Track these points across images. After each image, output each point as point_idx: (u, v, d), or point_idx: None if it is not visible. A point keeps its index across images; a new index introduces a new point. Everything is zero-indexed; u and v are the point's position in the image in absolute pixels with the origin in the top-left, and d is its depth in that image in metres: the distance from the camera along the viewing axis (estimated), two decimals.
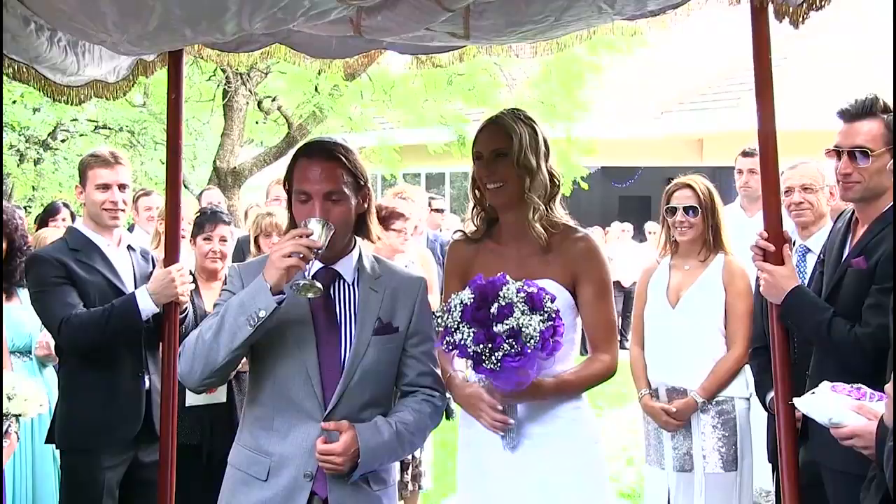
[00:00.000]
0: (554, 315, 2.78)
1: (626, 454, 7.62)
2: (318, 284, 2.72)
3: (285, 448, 2.82)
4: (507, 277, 2.84)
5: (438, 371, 3.05)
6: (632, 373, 4.55)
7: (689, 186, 4.46)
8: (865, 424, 2.70)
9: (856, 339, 3.15)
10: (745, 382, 4.35)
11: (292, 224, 2.90)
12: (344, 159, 2.85)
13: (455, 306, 2.82)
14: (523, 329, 2.73)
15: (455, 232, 3.44)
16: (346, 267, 2.92)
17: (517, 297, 2.77)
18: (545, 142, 3.18)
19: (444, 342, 2.83)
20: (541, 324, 2.74)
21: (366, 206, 2.93)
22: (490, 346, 2.74)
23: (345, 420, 2.81)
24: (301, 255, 2.70)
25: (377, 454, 2.84)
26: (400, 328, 2.92)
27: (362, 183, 2.90)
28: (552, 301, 2.79)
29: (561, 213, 3.21)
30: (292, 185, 2.88)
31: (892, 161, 3.23)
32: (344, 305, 2.89)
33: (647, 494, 4.56)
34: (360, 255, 2.97)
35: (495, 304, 2.77)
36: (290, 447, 2.82)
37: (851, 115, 3.28)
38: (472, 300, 2.81)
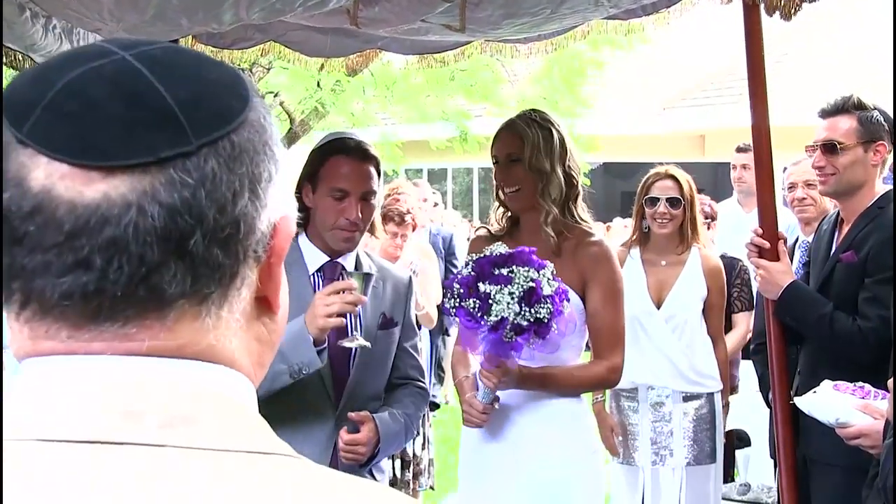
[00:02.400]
0: (530, 320, 2.76)
1: None
2: (367, 343, 2.77)
3: (298, 447, 2.81)
4: (548, 264, 2.84)
5: (422, 361, 3.14)
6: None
7: (672, 177, 4.31)
8: (872, 423, 2.70)
9: (860, 333, 3.17)
10: (718, 377, 4.32)
11: (306, 217, 2.86)
12: (376, 159, 2.88)
13: (487, 249, 2.88)
14: (493, 304, 2.73)
15: (478, 228, 3.45)
16: (349, 261, 2.93)
17: (523, 280, 2.76)
18: (562, 143, 3.13)
19: (459, 270, 2.90)
20: (514, 315, 2.74)
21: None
22: (462, 291, 2.78)
23: (364, 411, 2.84)
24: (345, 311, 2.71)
25: (391, 442, 2.90)
26: (399, 323, 2.95)
27: (381, 182, 2.95)
28: (549, 313, 2.76)
29: (582, 216, 3.17)
30: (318, 180, 2.85)
31: (866, 155, 3.34)
32: None
33: (617, 494, 4.47)
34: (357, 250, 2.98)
35: (503, 269, 2.78)
36: (302, 446, 2.81)
37: (827, 112, 3.43)
38: (499, 254, 2.84)
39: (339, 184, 2.81)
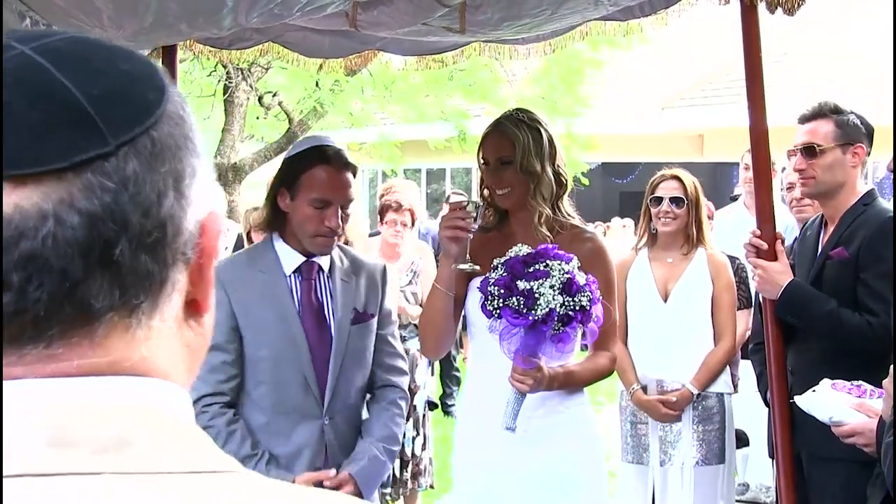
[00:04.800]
0: (576, 309, 2.80)
1: None
2: (477, 266, 2.94)
3: (290, 448, 2.90)
4: (573, 256, 2.88)
5: (403, 352, 3.22)
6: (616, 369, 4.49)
7: (677, 178, 4.44)
8: (866, 422, 2.73)
9: (869, 326, 3.21)
10: (729, 378, 4.41)
11: (281, 220, 2.90)
12: (354, 166, 2.94)
13: (512, 251, 2.90)
14: (538, 297, 2.76)
15: None
16: (324, 259, 2.98)
17: (559, 273, 2.80)
18: (550, 142, 3.15)
19: (486, 276, 2.92)
20: (559, 306, 2.77)
21: None
22: (502, 292, 2.79)
23: (344, 472, 2.89)
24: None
25: (375, 482, 3.02)
26: (374, 314, 3.02)
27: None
28: (589, 301, 2.82)
29: (568, 211, 3.21)
30: (298, 189, 2.88)
31: (844, 157, 3.40)
32: (327, 298, 2.97)
33: (627, 492, 4.49)
34: None
35: (536, 265, 2.82)
36: (295, 447, 2.90)
37: (806, 118, 3.51)
38: (526, 254, 2.87)
39: (321, 194, 2.86)
